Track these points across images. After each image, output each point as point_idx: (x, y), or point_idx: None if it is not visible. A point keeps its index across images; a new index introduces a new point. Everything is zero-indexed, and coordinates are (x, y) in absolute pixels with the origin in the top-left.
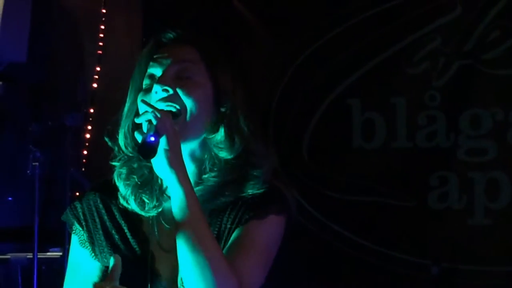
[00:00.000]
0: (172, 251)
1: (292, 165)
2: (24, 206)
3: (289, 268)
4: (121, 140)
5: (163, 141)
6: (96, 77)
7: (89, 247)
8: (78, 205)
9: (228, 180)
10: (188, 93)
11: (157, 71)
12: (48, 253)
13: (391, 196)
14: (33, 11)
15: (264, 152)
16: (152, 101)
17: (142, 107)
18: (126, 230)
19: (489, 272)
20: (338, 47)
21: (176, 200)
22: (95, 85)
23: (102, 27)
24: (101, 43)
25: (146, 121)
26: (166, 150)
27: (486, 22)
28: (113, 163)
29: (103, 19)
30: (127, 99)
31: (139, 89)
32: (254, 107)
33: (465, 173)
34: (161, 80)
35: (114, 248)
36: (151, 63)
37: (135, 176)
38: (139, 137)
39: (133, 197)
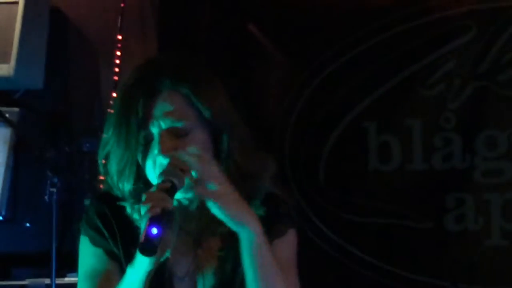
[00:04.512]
0: (186, 277)
1: (308, 189)
2: (42, 232)
3: None
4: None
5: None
6: (112, 102)
7: (103, 242)
8: (93, 210)
9: None
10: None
11: (153, 132)
12: (66, 279)
13: (407, 218)
14: (49, 38)
15: (261, 176)
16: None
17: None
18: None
19: None
20: (353, 70)
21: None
22: (111, 110)
23: (118, 53)
24: (117, 69)
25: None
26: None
27: (500, 44)
28: (123, 204)
29: (119, 45)
30: (118, 153)
31: (135, 147)
32: (254, 131)
33: (482, 194)
34: (163, 151)
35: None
36: (142, 129)
37: None
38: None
39: None
